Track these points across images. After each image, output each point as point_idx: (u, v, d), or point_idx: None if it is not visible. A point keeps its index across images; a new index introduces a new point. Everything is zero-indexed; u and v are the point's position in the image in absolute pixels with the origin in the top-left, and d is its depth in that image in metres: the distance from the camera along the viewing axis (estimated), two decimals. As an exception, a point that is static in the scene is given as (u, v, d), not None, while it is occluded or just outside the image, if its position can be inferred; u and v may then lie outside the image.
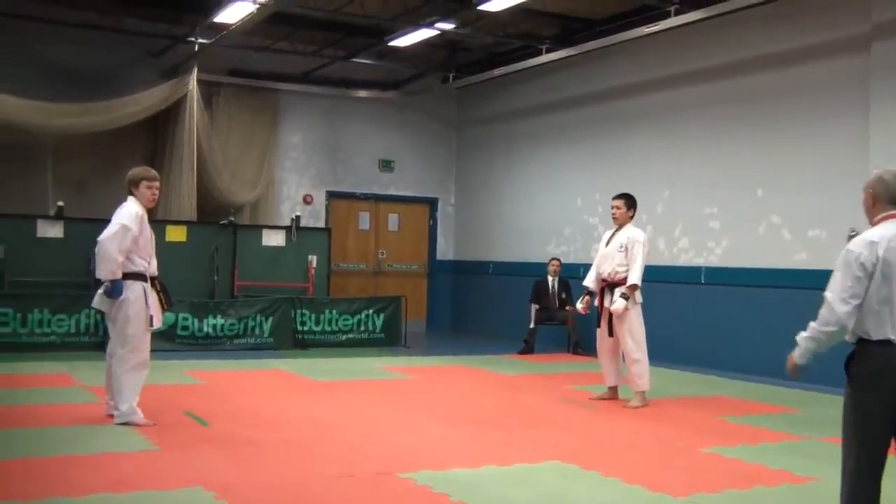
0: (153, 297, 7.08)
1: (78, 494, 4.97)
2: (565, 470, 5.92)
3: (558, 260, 13.65)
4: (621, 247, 8.57)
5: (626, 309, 8.41)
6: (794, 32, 10.90)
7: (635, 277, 8.47)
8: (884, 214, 4.06)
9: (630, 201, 8.79)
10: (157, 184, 7.23)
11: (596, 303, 8.83)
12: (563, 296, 13.38)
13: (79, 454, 6.00)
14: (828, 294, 3.98)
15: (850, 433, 3.98)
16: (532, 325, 13.23)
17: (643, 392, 8.58)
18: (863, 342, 3.97)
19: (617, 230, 8.76)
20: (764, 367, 10.73)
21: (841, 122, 10.34)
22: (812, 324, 4.03)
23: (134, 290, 6.94)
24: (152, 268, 7.14)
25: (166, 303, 7.30)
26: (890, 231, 3.98)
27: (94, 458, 5.88)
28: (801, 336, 4.08)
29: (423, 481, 5.46)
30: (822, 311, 3.98)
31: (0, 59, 13.10)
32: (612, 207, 8.83)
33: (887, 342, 3.91)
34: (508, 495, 5.24)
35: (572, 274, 13.26)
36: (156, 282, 7.17)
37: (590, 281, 8.88)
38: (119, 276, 6.85)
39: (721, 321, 11.59)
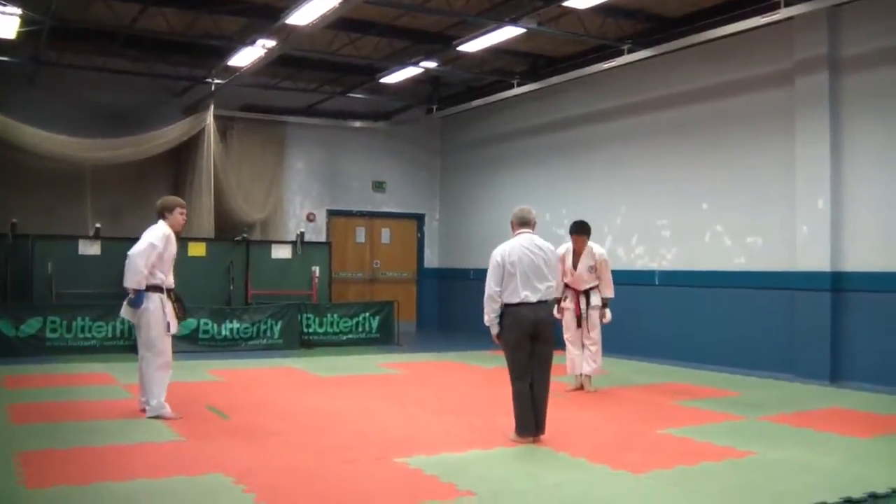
0: (169, 307, 7.12)
1: (120, 479, 5.02)
2: (539, 452, 5.95)
3: None
4: (591, 269, 8.65)
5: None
6: (729, 68, 11.01)
7: (611, 291, 8.71)
8: (519, 231, 6.34)
9: (588, 232, 8.76)
10: (185, 210, 7.38)
11: (567, 303, 8.83)
12: None
13: (119, 444, 6.03)
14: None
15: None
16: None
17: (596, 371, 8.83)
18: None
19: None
20: (710, 356, 10.83)
21: (771, 146, 10.46)
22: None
23: (152, 300, 7.00)
24: (169, 281, 7.18)
25: (181, 311, 7.32)
26: (520, 240, 6.23)
27: (130, 448, 5.91)
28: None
29: (416, 465, 5.49)
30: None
31: (49, 103, 13.28)
32: (578, 242, 8.64)
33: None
34: (491, 476, 5.27)
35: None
36: (171, 293, 7.21)
37: (558, 292, 8.85)
38: (143, 286, 6.90)
39: (673, 318, 11.67)
